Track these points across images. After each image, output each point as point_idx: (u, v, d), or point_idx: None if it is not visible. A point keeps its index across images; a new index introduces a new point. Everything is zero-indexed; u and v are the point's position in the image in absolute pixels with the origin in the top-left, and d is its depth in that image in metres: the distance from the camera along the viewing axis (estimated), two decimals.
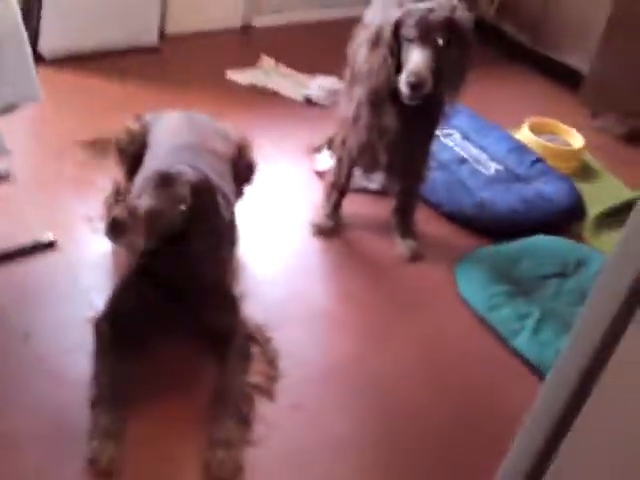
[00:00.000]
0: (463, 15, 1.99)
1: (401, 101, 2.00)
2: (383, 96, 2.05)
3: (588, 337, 0.93)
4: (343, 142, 2.29)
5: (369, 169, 2.35)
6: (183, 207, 1.61)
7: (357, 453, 1.68)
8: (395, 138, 2.11)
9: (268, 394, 1.74)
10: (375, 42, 2.03)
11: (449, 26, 1.95)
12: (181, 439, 1.62)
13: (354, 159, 2.30)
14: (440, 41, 1.94)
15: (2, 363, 1.71)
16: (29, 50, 1.71)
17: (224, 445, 1.56)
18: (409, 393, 1.86)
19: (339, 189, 2.38)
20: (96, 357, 1.69)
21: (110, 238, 1.58)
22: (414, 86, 1.92)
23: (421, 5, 1.99)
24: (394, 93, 2.01)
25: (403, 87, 1.95)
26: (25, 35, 1.69)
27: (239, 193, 2.13)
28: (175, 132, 2.00)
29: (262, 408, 1.70)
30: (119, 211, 1.56)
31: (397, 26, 1.98)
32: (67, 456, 1.53)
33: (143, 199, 1.59)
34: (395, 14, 2.00)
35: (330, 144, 2.65)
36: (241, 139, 2.13)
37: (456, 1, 2.01)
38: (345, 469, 1.64)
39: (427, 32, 1.93)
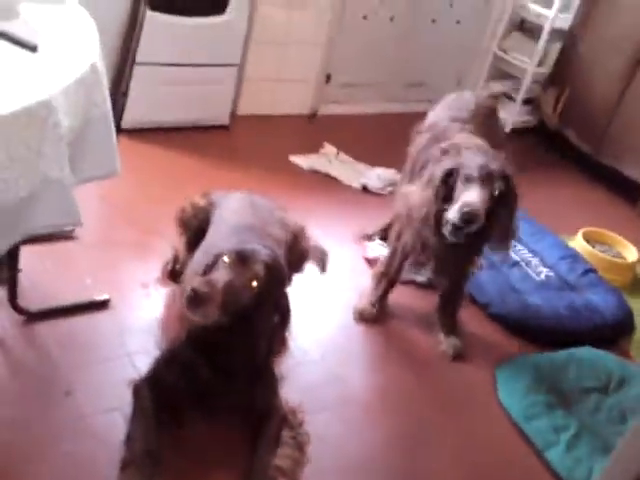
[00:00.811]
0: (512, 172, 2.08)
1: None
2: (428, 233, 2.10)
3: (629, 463, 0.90)
4: (398, 236, 2.33)
5: (418, 265, 2.39)
6: (255, 284, 1.65)
7: None
8: (440, 256, 2.17)
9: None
10: (428, 183, 2.10)
11: (504, 178, 2.04)
12: None
13: (407, 254, 2.33)
14: (497, 190, 2.01)
15: (41, 415, 1.74)
16: (113, 130, 1.78)
17: None
18: None
19: (389, 280, 2.40)
20: (132, 420, 1.70)
21: (189, 309, 1.59)
22: (466, 217, 1.95)
23: (478, 157, 2.06)
24: (440, 230, 2.06)
25: (453, 217, 1.98)
26: (111, 117, 1.76)
27: (289, 279, 2.17)
28: (239, 213, 2.06)
29: None
30: (199, 283, 1.59)
31: (448, 174, 2.06)
32: None
33: (221, 274, 1.63)
34: (449, 164, 2.08)
35: (382, 233, 2.71)
36: (297, 228, 2.17)
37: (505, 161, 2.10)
38: None
39: (488, 176, 2.01)
